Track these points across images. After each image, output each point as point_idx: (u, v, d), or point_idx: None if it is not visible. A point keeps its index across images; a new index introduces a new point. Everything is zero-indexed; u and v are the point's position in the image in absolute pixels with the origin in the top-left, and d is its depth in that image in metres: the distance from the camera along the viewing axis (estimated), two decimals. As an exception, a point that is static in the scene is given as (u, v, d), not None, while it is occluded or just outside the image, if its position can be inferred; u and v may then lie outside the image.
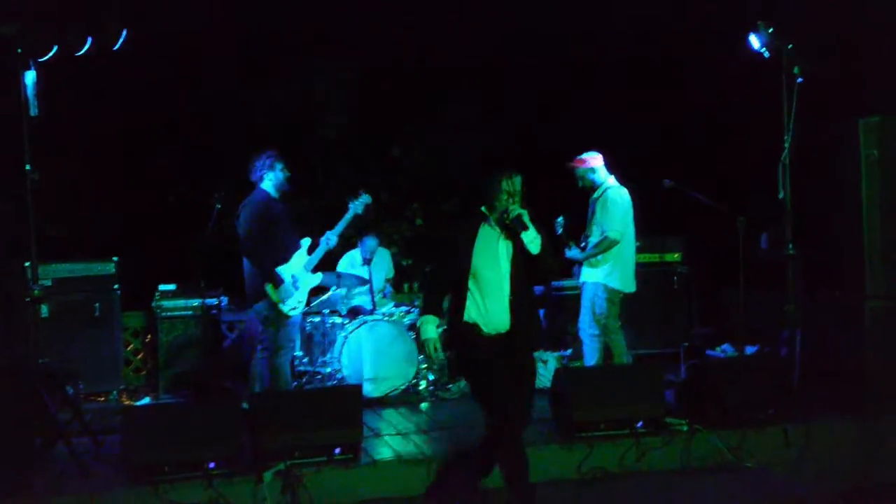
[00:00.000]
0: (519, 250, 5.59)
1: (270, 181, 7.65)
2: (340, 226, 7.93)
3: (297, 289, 7.59)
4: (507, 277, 5.59)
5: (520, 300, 5.61)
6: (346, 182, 12.03)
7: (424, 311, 5.81)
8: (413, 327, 9.12)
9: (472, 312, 5.61)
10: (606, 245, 7.81)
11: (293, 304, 7.57)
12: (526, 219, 5.48)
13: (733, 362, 7.95)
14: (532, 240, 5.51)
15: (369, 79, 12.32)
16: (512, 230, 5.56)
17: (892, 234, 7.58)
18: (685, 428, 6.86)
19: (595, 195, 8.04)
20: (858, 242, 7.64)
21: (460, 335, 5.69)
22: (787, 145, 7.54)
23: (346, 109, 12.58)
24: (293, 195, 8.21)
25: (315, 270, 7.84)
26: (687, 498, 6.20)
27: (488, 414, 5.66)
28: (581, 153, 8.10)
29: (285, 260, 7.60)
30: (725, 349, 8.53)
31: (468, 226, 5.72)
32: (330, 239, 7.82)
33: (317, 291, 9.25)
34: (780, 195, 7.59)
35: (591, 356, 7.93)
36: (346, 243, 9.78)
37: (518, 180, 5.62)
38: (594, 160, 8.05)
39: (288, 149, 8.00)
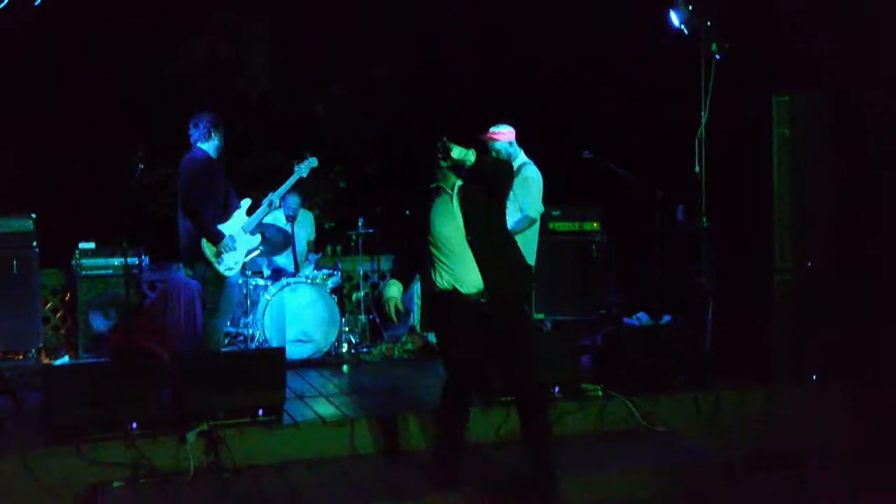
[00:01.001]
0: (473, 202, 5.60)
1: (211, 143, 7.60)
2: (283, 188, 7.98)
3: (234, 249, 7.58)
4: (464, 230, 5.56)
5: (486, 251, 5.56)
6: (268, 143, 12.04)
7: (391, 276, 5.92)
8: (335, 290, 9.21)
9: (444, 277, 5.61)
10: (527, 224, 7.93)
11: (230, 265, 7.56)
12: (449, 146, 5.51)
13: (648, 330, 8.18)
14: (462, 157, 5.49)
15: (292, 37, 12.27)
16: (453, 167, 5.61)
17: (800, 209, 7.84)
18: (600, 393, 7.06)
19: None
20: (769, 217, 7.88)
21: (437, 303, 5.72)
22: (703, 121, 7.73)
23: (269, 69, 12.53)
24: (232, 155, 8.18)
25: (254, 232, 7.85)
26: (600, 461, 6.39)
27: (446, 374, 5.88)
28: (491, 126, 8.15)
29: (225, 219, 7.60)
30: (641, 317, 8.75)
31: (423, 198, 5.77)
32: (273, 201, 7.86)
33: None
34: (696, 169, 7.79)
35: None
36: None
37: (441, 144, 5.59)
38: (511, 133, 8.06)
39: (209, 106, 7.96)
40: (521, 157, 8.07)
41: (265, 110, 12.55)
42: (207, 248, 7.46)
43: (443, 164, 5.59)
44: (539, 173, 8.04)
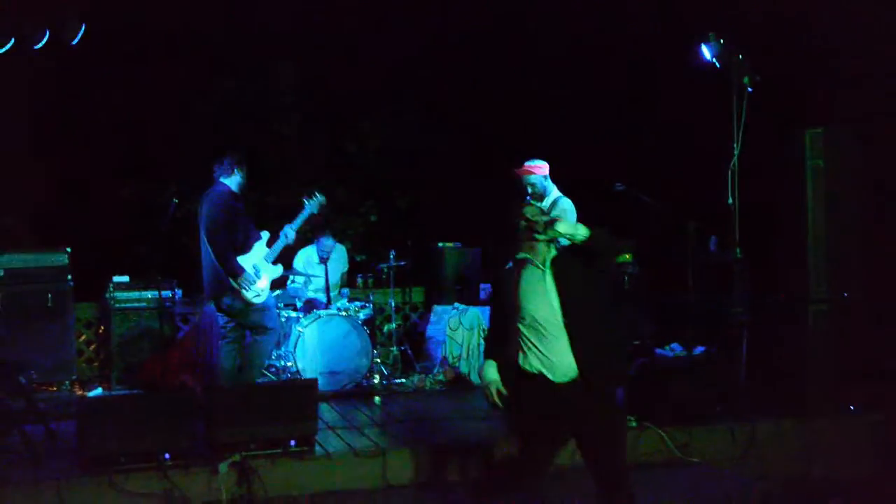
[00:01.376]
0: (570, 278, 4.98)
1: (233, 179, 7.79)
2: (297, 222, 8.11)
3: (258, 278, 7.74)
4: (561, 313, 4.93)
5: (584, 336, 4.92)
6: (301, 177, 12.11)
7: (486, 356, 5.32)
8: (367, 322, 9.22)
9: (532, 361, 5.00)
10: None
11: (256, 292, 7.71)
12: (557, 225, 4.95)
13: (681, 361, 8.10)
14: (571, 233, 4.92)
15: (325, 74, 12.38)
16: (551, 238, 5.02)
17: (834, 239, 7.78)
18: (634, 424, 7.01)
19: (546, 203, 8.17)
20: (803, 247, 7.82)
21: (519, 385, 5.09)
22: (736, 152, 7.72)
23: (301, 105, 12.63)
24: (250, 188, 8.31)
25: (275, 263, 7.99)
26: (636, 491, 6.32)
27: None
28: (527, 159, 8.20)
29: (246, 251, 7.74)
30: (674, 348, 8.66)
31: (508, 270, 5.18)
32: (288, 234, 8.00)
33: (275, 286, 9.33)
34: (729, 201, 7.77)
35: None
36: (303, 239, 9.83)
37: (530, 210, 5.09)
38: (546, 168, 8.14)
39: (242, 142, 8.05)
40: (555, 192, 8.13)
41: (297, 145, 12.62)
42: (234, 283, 7.62)
43: (539, 237, 5.00)
44: (573, 205, 8.07)
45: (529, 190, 8.08)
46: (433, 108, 12.48)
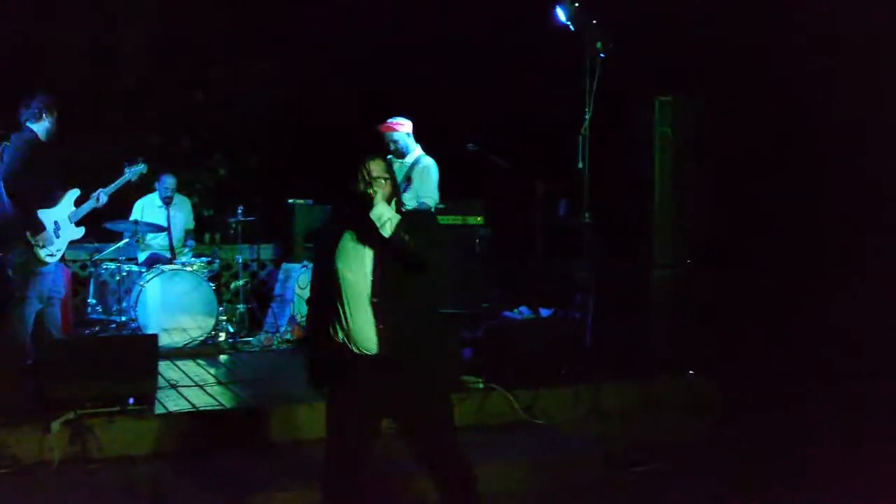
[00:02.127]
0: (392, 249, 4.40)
1: (41, 126, 7.26)
2: (112, 187, 7.82)
3: (58, 237, 7.27)
4: (371, 280, 4.41)
5: (395, 312, 4.40)
6: (147, 126, 11.72)
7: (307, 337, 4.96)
8: (214, 278, 8.99)
9: (337, 327, 4.48)
10: None
11: (51, 251, 7.20)
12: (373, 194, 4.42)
13: (529, 323, 8.20)
14: (379, 218, 4.38)
15: (175, 23, 11.99)
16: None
17: (679, 206, 7.97)
18: (480, 386, 7.04)
19: (407, 161, 8.18)
20: (649, 214, 7.99)
21: (319, 353, 4.61)
22: (587, 118, 7.78)
23: (150, 53, 12.21)
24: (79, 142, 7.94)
25: (79, 224, 7.54)
26: (478, 453, 6.33)
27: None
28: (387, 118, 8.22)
29: (49, 205, 7.26)
30: (522, 311, 8.75)
31: (332, 225, 4.72)
32: (100, 196, 7.64)
33: (113, 238, 8.99)
34: (580, 165, 7.84)
35: None
36: (144, 189, 9.49)
37: (375, 165, 4.48)
38: (408, 125, 8.22)
39: (85, 91, 7.60)
40: (416, 150, 8.20)
41: (143, 95, 12.20)
42: (29, 235, 7.14)
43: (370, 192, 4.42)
44: (436, 165, 8.12)
45: (391, 147, 8.18)
46: (290, 61, 12.23)
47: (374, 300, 4.38)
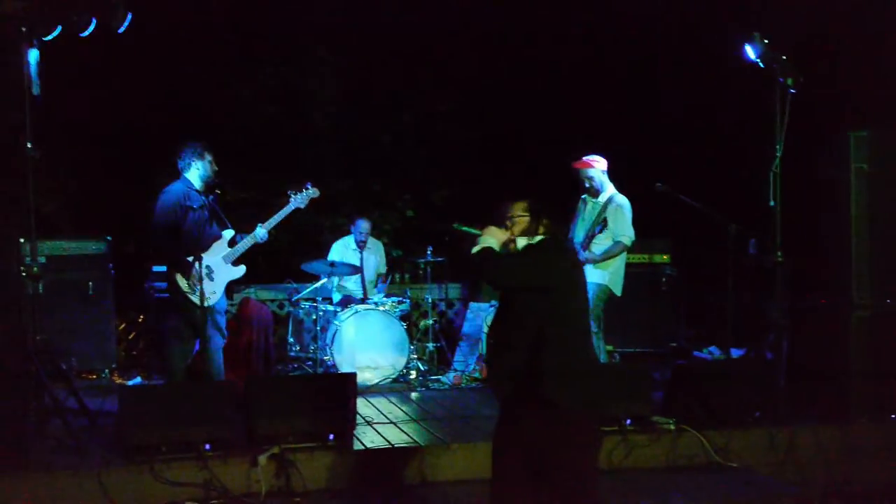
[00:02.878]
0: None
1: (196, 171, 7.50)
2: (275, 219, 7.72)
3: (212, 280, 7.42)
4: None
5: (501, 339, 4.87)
6: (337, 169, 12.16)
7: None
8: (404, 318, 9.23)
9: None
10: (619, 250, 8.13)
11: (207, 294, 7.22)
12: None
13: (720, 364, 8.09)
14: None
15: (363, 67, 12.42)
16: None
17: (879, 244, 7.72)
18: (672, 427, 6.98)
19: (600, 199, 8.23)
20: (846, 251, 7.76)
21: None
22: (778, 154, 7.65)
23: (337, 98, 12.68)
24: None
25: (237, 263, 7.63)
26: (670, 494, 6.31)
27: None
28: (579, 156, 8.29)
29: (197, 251, 7.28)
30: (712, 351, 8.66)
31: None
32: (257, 233, 7.62)
33: (311, 279, 9.37)
34: (771, 203, 7.71)
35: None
36: (339, 231, 9.88)
37: (519, 206, 4.97)
38: (604, 163, 8.31)
39: (276, 135, 7.85)
40: (610, 188, 8.31)
41: (333, 138, 12.67)
42: (181, 280, 7.36)
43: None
44: (629, 203, 8.15)
45: (587, 184, 8.26)
46: (470, 100, 12.47)
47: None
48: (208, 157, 7.53)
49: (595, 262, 8.06)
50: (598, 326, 8.09)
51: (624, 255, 8.26)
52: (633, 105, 11.46)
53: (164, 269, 9.13)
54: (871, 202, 7.75)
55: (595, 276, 8.09)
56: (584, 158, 8.26)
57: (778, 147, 7.65)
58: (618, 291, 8.20)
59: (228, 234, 7.65)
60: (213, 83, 11.66)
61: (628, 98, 11.50)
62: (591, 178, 8.25)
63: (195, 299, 7.21)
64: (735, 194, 9.04)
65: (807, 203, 8.10)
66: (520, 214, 4.90)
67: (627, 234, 8.14)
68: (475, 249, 4.80)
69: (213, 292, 7.45)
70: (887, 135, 7.84)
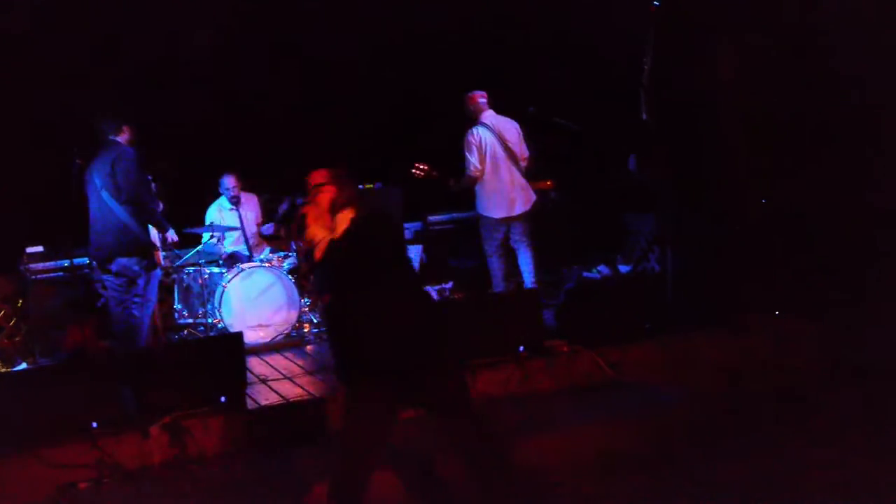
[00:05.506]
0: None
1: (126, 136, 7.52)
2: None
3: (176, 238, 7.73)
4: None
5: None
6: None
7: None
8: (293, 271, 9.07)
9: None
10: (465, 182, 8.44)
11: (163, 255, 7.60)
12: None
13: (609, 282, 8.16)
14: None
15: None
16: None
17: (753, 148, 7.81)
18: (565, 349, 7.01)
19: None
20: (722, 158, 7.84)
21: None
22: (647, 67, 7.67)
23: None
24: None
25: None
26: (571, 416, 6.35)
27: None
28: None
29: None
30: (601, 270, 8.72)
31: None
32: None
33: (192, 243, 9.15)
34: (644, 117, 7.74)
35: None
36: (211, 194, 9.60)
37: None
38: (476, 96, 8.60)
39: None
40: (482, 118, 8.53)
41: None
42: (156, 240, 7.45)
43: None
44: (479, 133, 8.37)
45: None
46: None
47: None
48: (132, 124, 7.58)
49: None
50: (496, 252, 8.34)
51: (493, 181, 8.45)
52: (499, 30, 11.27)
53: (39, 248, 8.95)
54: (744, 108, 7.82)
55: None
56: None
57: (646, 59, 7.67)
58: (498, 214, 8.41)
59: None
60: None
61: (492, 24, 11.30)
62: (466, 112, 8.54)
63: (161, 257, 7.52)
64: (607, 112, 9.05)
65: (681, 116, 8.14)
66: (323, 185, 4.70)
67: (468, 166, 8.41)
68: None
69: (164, 254, 7.77)
70: (754, 42, 7.90)
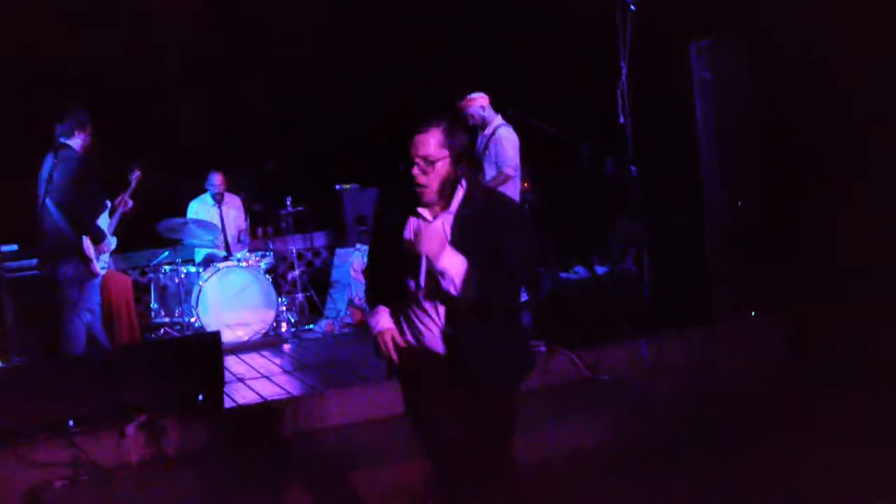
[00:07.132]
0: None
1: (79, 140, 7.35)
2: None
3: (106, 250, 7.54)
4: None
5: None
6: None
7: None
8: (270, 271, 9.08)
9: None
10: (502, 179, 8.22)
11: (103, 264, 7.45)
12: None
13: (586, 283, 8.21)
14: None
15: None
16: None
17: (726, 150, 7.86)
18: (543, 348, 7.04)
19: (487, 132, 8.31)
20: (697, 161, 7.91)
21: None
22: (624, 71, 7.72)
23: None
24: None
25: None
26: (547, 415, 6.37)
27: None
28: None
29: (97, 218, 7.47)
30: (578, 271, 8.75)
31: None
32: (127, 202, 7.98)
33: (169, 243, 9.10)
34: (621, 119, 7.78)
35: None
36: (196, 190, 9.58)
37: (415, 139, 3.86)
38: (480, 99, 8.44)
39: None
40: (496, 121, 8.45)
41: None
42: (90, 249, 7.25)
43: None
44: (514, 133, 8.33)
45: (470, 122, 8.35)
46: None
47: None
48: (89, 126, 7.42)
49: None
50: None
51: (516, 184, 8.37)
52: (475, 31, 11.28)
53: (13, 247, 8.87)
54: (716, 110, 7.88)
55: None
56: (466, 97, 8.45)
57: (623, 63, 7.72)
58: None
59: (108, 203, 7.79)
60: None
61: (469, 22, 11.30)
62: (471, 116, 8.43)
63: (98, 268, 7.30)
64: (587, 115, 9.08)
65: (656, 117, 8.20)
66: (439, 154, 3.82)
67: (510, 164, 8.25)
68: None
69: (105, 262, 7.59)
70: (728, 42, 7.95)
